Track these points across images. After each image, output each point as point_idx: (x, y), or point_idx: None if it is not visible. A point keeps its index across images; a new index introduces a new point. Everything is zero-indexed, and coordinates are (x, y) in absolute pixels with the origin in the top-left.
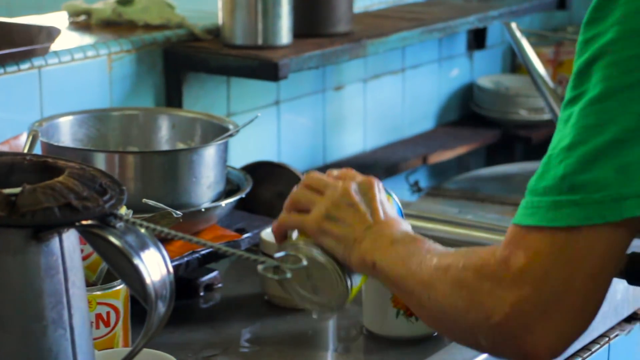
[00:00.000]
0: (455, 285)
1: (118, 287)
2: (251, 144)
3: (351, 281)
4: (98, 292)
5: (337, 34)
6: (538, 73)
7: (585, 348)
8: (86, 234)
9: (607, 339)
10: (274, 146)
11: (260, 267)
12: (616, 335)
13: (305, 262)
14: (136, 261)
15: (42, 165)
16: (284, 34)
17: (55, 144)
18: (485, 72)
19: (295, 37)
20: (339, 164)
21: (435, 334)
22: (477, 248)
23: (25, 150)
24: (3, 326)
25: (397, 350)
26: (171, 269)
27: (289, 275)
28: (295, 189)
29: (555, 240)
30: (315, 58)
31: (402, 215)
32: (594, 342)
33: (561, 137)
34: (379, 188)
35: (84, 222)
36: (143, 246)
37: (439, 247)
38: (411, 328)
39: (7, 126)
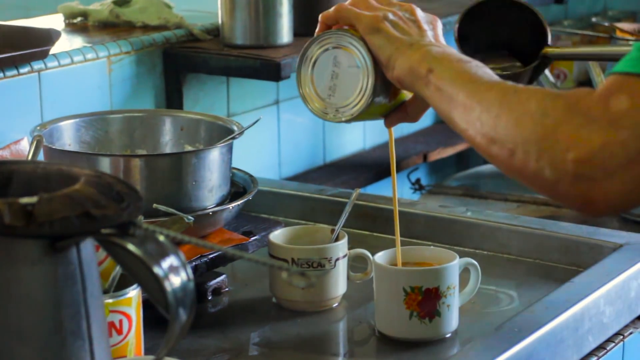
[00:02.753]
0: (538, 111)
1: (130, 295)
2: (251, 144)
3: (377, 93)
4: (110, 300)
5: None
6: None
7: (601, 347)
8: (104, 243)
9: (621, 337)
10: (274, 146)
11: (284, 274)
12: (630, 333)
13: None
14: (156, 269)
15: (57, 173)
16: (285, 33)
17: (59, 148)
18: None
19: (295, 35)
20: (339, 163)
21: (449, 335)
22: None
23: (30, 156)
24: (21, 338)
25: (411, 352)
26: (191, 276)
27: (314, 281)
28: None
29: None
30: None
31: None
32: (609, 340)
33: None
34: (441, 27)
35: (102, 231)
36: (163, 254)
37: None
38: (425, 330)
39: (7, 131)
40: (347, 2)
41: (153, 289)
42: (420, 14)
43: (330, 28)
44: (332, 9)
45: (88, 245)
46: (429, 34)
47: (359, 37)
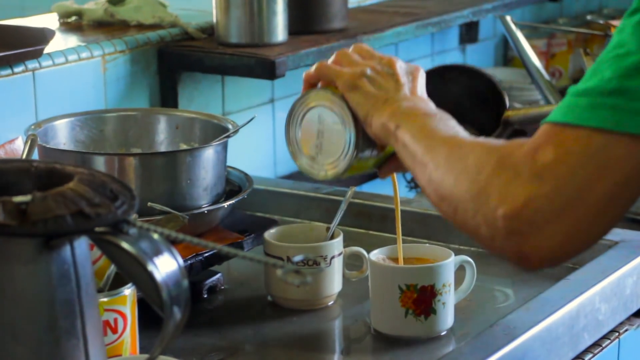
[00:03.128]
0: (473, 168)
1: (125, 293)
2: (247, 143)
3: (361, 148)
4: (105, 299)
5: (332, 30)
6: (534, 66)
7: (596, 344)
8: (99, 242)
9: (617, 334)
10: (269, 144)
11: (279, 272)
12: (626, 330)
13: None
14: (150, 268)
15: (50, 172)
16: (280, 31)
17: (53, 147)
18: (477, 66)
19: (290, 34)
20: None
21: (444, 333)
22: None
23: (24, 155)
24: (15, 337)
25: (406, 350)
26: (186, 275)
27: (309, 279)
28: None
29: (590, 141)
30: (311, 55)
31: None
32: (605, 337)
33: (615, 46)
34: (423, 78)
35: (96, 230)
36: (157, 252)
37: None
38: (420, 328)
39: (2, 130)
40: (330, 59)
41: (147, 287)
42: (400, 65)
43: (314, 86)
44: (313, 67)
45: (82, 244)
46: (406, 87)
47: (340, 95)
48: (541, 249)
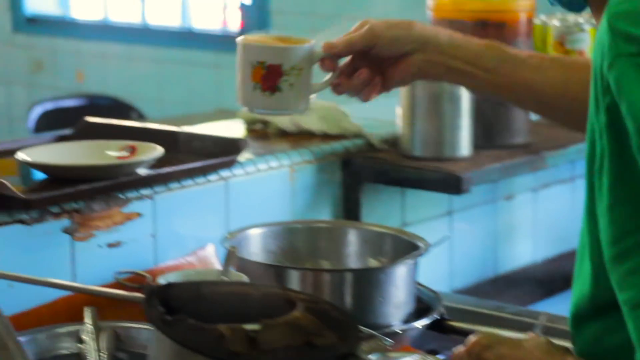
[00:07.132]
0: None
1: None
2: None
3: None
4: None
5: (515, 145)
6: None
7: None
8: None
9: None
10: (445, 256)
11: None
12: None
13: None
14: None
15: (274, 297)
16: (464, 145)
17: (251, 259)
18: None
19: (475, 148)
20: (509, 276)
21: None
22: None
23: (224, 267)
24: None
25: None
26: None
27: None
28: None
29: None
30: (496, 171)
31: None
32: None
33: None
34: None
35: None
36: None
37: None
38: (267, 102)
39: (194, 236)
40: None
41: None
42: None
43: None
44: None
45: None
46: None
47: None
48: None
